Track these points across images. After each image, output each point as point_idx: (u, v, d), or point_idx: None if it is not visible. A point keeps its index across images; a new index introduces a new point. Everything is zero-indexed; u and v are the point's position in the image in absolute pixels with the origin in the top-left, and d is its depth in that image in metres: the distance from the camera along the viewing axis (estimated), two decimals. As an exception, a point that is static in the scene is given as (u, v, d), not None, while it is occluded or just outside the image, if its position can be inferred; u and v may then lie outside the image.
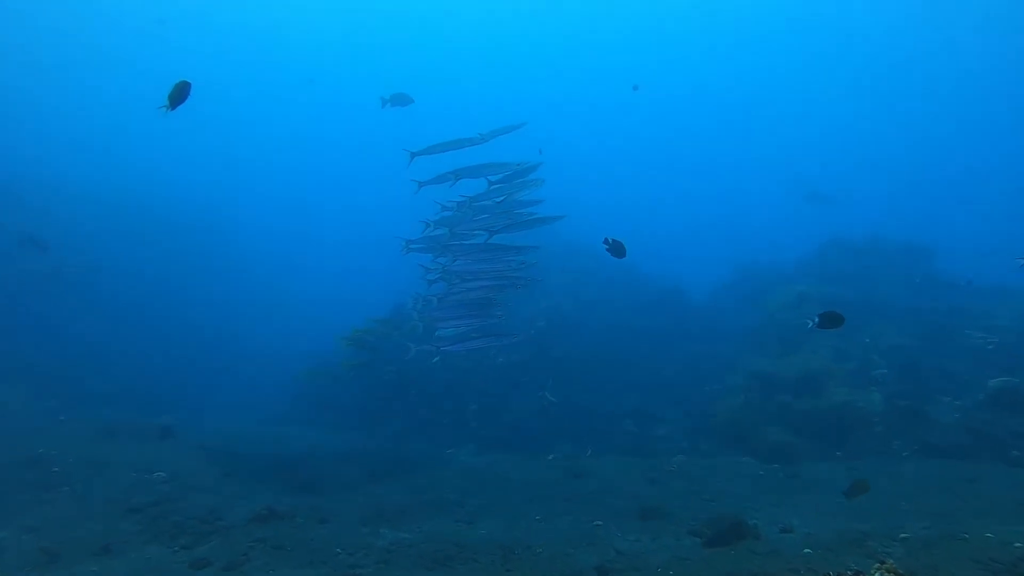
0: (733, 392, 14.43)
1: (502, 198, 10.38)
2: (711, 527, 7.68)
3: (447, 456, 13.86)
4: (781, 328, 16.17)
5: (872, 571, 4.51)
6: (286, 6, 54.88)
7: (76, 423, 12.85)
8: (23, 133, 36.88)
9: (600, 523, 8.39)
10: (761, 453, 12.28)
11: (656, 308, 20.08)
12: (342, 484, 12.08)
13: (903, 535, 7.01)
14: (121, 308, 21.21)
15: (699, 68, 57.65)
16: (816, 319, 8.20)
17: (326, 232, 41.70)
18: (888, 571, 4.43)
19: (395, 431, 15.11)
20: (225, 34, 54.94)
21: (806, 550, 6.77)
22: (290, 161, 52.63)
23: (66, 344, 18.31)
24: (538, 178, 10.48)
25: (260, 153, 51.45)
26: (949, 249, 21.23)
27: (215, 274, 26.39)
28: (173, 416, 15.38)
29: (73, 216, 23.18)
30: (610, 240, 9.11)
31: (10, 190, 22.46)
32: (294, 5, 55.01)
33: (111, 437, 12.04)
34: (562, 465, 11.18)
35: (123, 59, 49.78)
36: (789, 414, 12.87)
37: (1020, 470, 9.67)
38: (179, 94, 7.44)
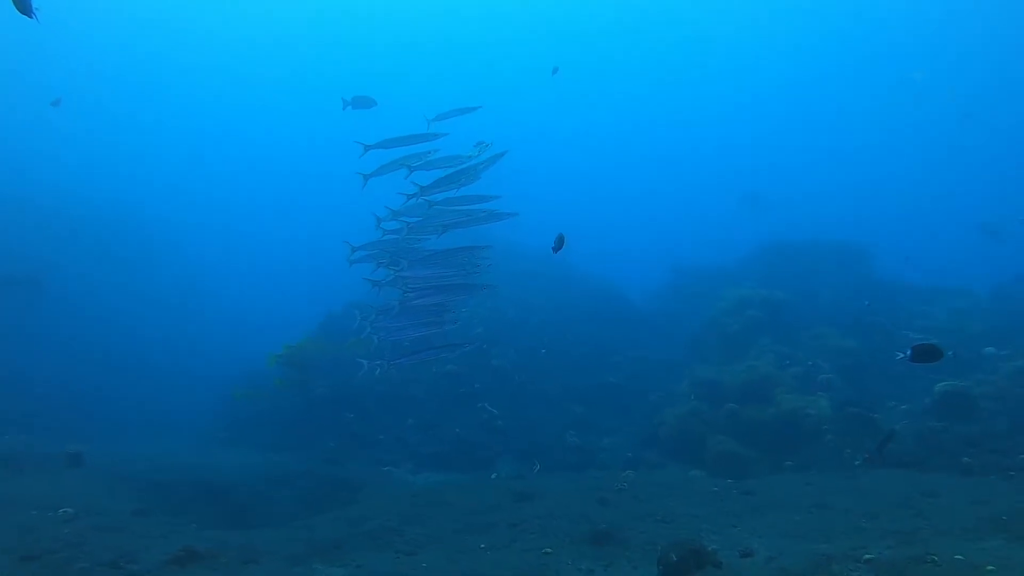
0: (678, 400, 14.08)
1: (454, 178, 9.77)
2: (668, 555, 7.20)
3: (384, 475, 13.16)
4: (724, 333, 15.96)
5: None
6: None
7: (-32, 453, 11.70)
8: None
9: (550, 551, 7.83)
10: (710, 465, 11.97)
11: (597, 312, 19.74)
12: (273, 512, 11.31)
13: (867, 556, 6.66)
14: (31, 322, 19.76)
15: (637, 66, 57.97)
16: (909, 352, 7.65)
17: (260, 239, 40.35)
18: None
19: (329, 450, 14.30)
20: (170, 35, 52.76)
21: (770, 578, 6.37)
22: (220, 164, 50.98)
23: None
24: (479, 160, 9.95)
25: (182, 154, 49.48)
26: (884, 250, 21.44)
27: (138, 284, 24.95)
28: (86, 442, 14.32)
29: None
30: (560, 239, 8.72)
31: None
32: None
33: (11, 468, 10.94)
34: (507, 486, 10.58)
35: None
36: (736, 423, 12.60)
37: (972, 479, 9.52)
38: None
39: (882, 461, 10.13)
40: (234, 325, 26.99)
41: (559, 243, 8.95)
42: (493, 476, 12.23)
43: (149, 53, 51.90)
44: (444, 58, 54.52)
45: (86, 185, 29.05)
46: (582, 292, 21.28)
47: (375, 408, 15.52)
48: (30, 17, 6.88)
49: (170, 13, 50.98)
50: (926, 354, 7.64)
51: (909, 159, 49.14)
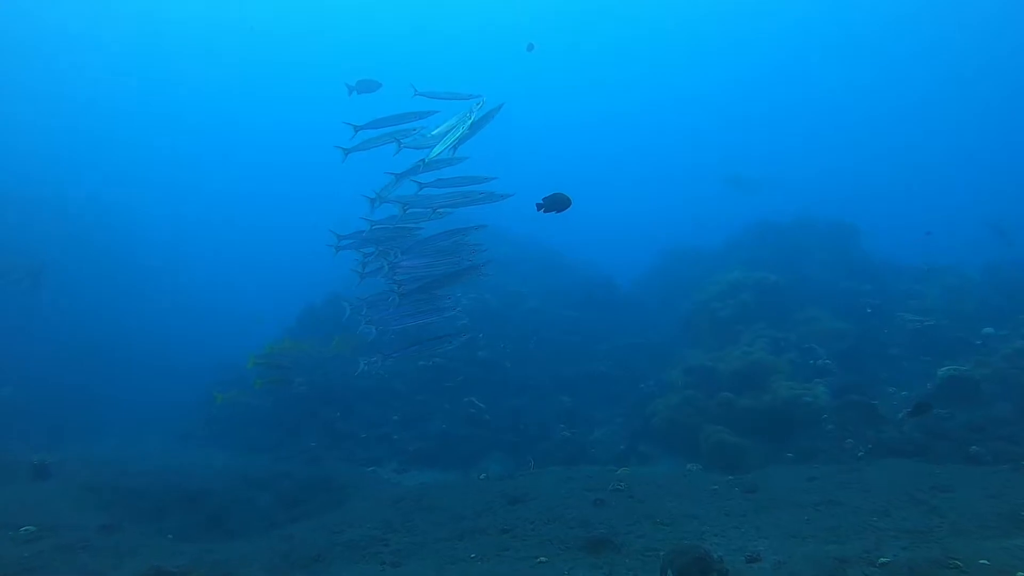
0: (670, 389, 13.63)
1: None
2: (672, 563, 6.75)
3: (368, 475, 12.66)
4: (715, 318, 15.53)
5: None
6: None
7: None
8: None
9: (544, 559, 7.37)
10: (706, 456, 11.53)
11: (584, 299, 19.30)
12: (251, 519, 10.80)
13: (883, 559, 6.25)
14: (16, 317, 19.02)
15: (621, 49, 57.39)
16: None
17: (237, 230, 39.55)
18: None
19: (310, 449, 13.77)
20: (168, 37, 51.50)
21: (781, 586, 5.94)
22: (198, 154, 50.02)
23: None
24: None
25: (159, 145, 48.43)
26: (873, 228, 21.10)
27: (114, 276, 24.16)
28: (60, 445, 13.75)
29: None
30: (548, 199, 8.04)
31: None
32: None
33: (-28, 482, 10.34)
34: (496, 487, 10.09)
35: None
36: (731, 412, 12.13)
37: (982, 469, 9.13)
38: None
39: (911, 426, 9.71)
40: (211, 316, 26.37)
41: (556, 204, 8.16)
42: (482, 476, 11.71)
43: (118, 38, 50.68)
44: (428, 46, 53.78)
45: (60, 178, 28.13)
46: (568, 278, 20.84)
47: (357, 404, 15.01)
48: None
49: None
50: None
51: (895, 139, 49.01)
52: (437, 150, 9.02)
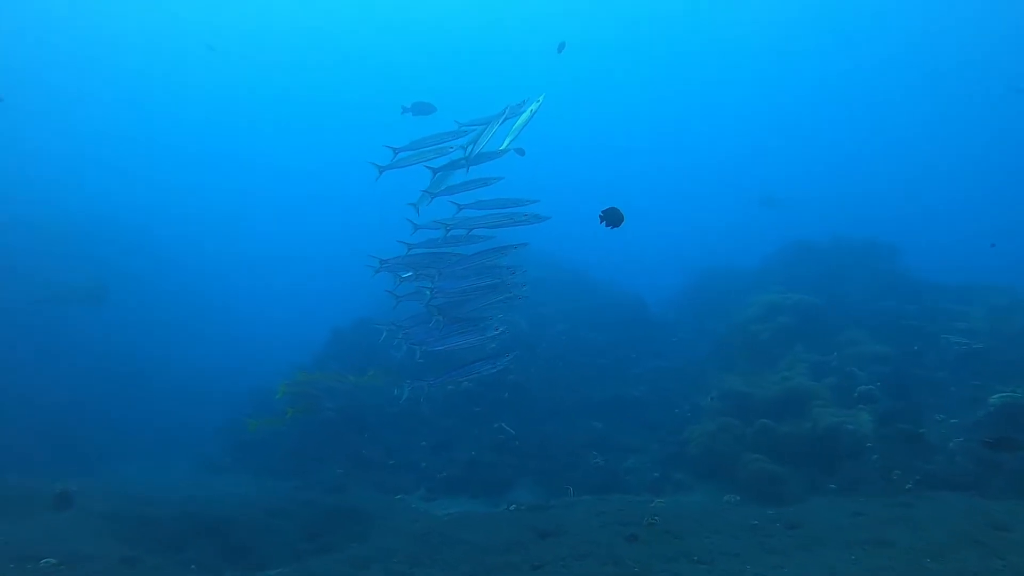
0: (706, 415, 13.19)
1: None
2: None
3: (394, 504, 12.36)
4: (752, 341, 15.08)
5: None
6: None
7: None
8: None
9: (577, 601, 7.04)
10: (744, 486, 11.07)
11: (615, 321, 18.88)
12: (274, 549, 10.55)
13: (941, 609, 5.81)
14: (21, 340, 19.04)
15: (652, 68, 57.15)
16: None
17: (265, 254, 39.73)
18: None
19: (337, 476, 13.53)
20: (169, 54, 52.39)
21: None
22: (225, 176, 50.56)
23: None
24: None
25: (186, 166, 49.03)
26: (914, 246, 20.52)
27: (141, 300, 24.24)
28: (84, 472, 13.66)
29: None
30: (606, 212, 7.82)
31: None
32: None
33: (-6, 511, 10.20)
34: (526, 519, 9.74)
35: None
36: (771, 440, 11.65)
37: (1043, 505, 8.59)
38: None
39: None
40: (238, 340, 26.36)
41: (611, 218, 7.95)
42: (512, 507, 11.38)
43: (146, 58, 51.60)
44: (457, 63, 54.01)
45: (87, 199, 28.53)
46: (597, 299, 20.45)
47: (385, 430, 14.76)
48: None
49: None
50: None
51: (933, 155, 48.01)
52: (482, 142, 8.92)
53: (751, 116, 55.00)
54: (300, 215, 46.28)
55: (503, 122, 9.33)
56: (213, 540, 10.64)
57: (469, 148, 9.28)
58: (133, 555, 9.04)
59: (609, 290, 21.58)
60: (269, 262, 38.17)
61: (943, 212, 40.89)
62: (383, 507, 11.89)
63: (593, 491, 12.00)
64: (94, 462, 15.96)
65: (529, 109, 9.03)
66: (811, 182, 43.09)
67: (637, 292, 20.85)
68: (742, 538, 8.29)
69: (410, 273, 9.70)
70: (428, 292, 9.45)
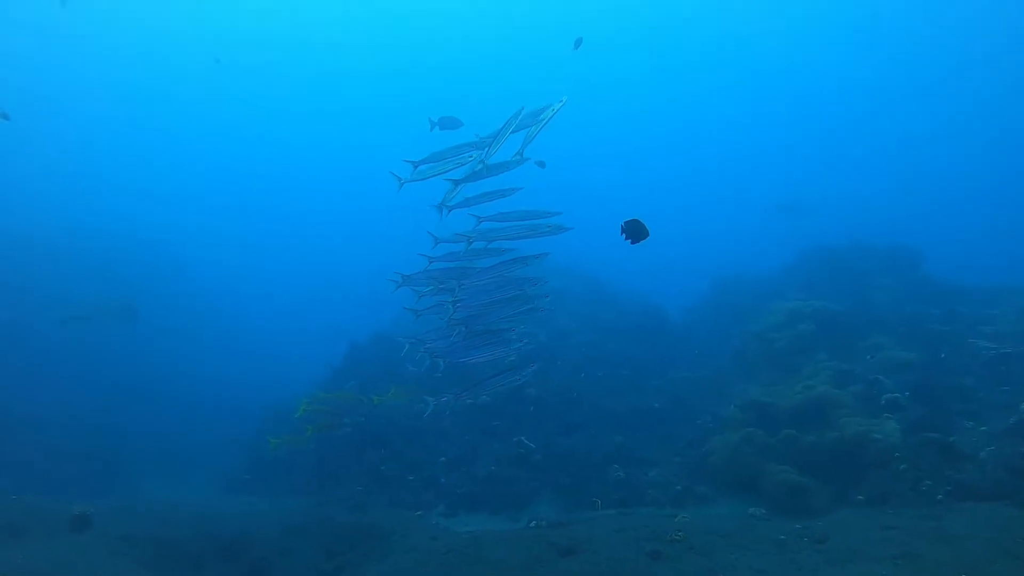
0: (728, 426, 12.95)
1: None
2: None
3: (413, 521, 12.21)
4: (773, 350, 14.84)
5: None
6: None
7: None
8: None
9: (598, 620, 6.86)
10: (768, 498, 10.85)
11: (634, 331, 18.73)
12: (293, 570, 10.46)
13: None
14: (43, 360, 19.16)
15: (668, 74, 57.01)
16: None
17: (280, 269, 39.93)
18: None
19: (356, 493, 13.42)
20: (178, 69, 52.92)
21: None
22: (242, 190, 50.92)
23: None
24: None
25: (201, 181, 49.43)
26: (937, 249, 20.18)
27: (158, 314, 24.34)
28: (102, 492, 13.66)
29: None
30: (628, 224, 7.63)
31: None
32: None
33: (11, 534, 10.17)
34: (548, 536, 9.56)
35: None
36: (795, 451, 11.42)
37: (1080, 514, 8.30)
38: None
39: None
40: (255, 355, 26.44)
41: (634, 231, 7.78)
42: (532, 524, 11.21)
43: (161, 78, 52.10)
44: (475, 72, 54.20)
45: (101, 218, 28.82)
46: (616, 309, 20.32)
47: (403, 445, 14.65)
48: None
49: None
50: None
51: (951, 155, 47.39)
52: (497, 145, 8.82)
53: (767, 121, 54.60)
54: (317, 229, 46.50)
55: (517, 127, 9.20)
56: (231, 560, 10.58)
57: (486, 151, 9.15)
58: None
59: (628, 299, 21.43)
60: (285, 276, 38.35)
61: (966, 213, 40.29)
62: (402, 524, 11.74)
63: (615, 505, 11.83)
64: (113, 479, 16.03)
65: (551, 108, 8.90)
66: (829, 186, 42.66)
67: (656, 301, 20.67)
68: (769, 554, 8.07)
69: (430, 287, 9.61)
70: (450, 306, 9.34)
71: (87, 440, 17.01)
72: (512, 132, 8.76)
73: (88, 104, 49.56)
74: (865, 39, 51.68)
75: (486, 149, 8.98)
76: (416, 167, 9.36)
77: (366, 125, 55.20)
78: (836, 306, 15.24)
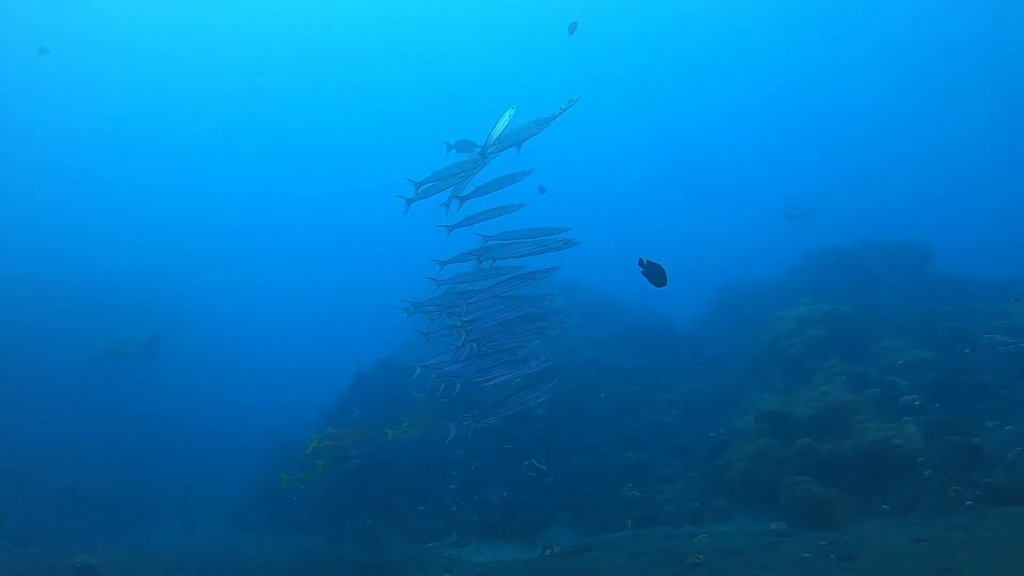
0: (743, 438, 12.61)
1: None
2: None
3: (427, 552, 11.88)
4: (784, 357, 14.52)
5: None
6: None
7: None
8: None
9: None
10: (789, 511, 10.50)
11: (643, 345, 18.40)
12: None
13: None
14: (45, 403, 18.97)
15: (671, 80, 56.95)
16: None
17: (285, 295, 39.79)
18: None
19: (366, 527, 13.09)
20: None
21: None
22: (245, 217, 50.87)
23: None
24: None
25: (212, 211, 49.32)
26: (945, 243, 19.86)
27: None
28: (104, 540, 13.41)
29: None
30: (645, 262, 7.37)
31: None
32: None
33: (16, 591, 9.90)
34: (563, 566, 9.22)
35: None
36: (813, 461, 11.10)
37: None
38: None
39: None
40: (261, 385, 26.27)
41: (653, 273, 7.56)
42: (547, 552, 10.88)
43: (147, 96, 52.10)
44: (468, 72, 54.25)
45: (104, 253, 28.81)
46: (621, 323, 20.00)
47: (413, 474, 14.32)
48: None
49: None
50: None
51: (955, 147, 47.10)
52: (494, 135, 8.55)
53: (767, 122, 54.34)
54: (318, 258, 46.38)
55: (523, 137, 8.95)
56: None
57: (484, 145, 8.88)
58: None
59: (634, 312, 21.10)
60: (290, 304, 38.19)
61: (971, 204, 39.96)
62: (415, 557, 11.45)
63: (631, 526, 11.52)
64: (121, 522, 15.79)
65: (560, 107, 8.65)
66: (834, 183, 42.35)
67: (663, 313, 20.31)
68: (794, 574, 7.72)
69: (440, 311, 9.37)
70: (461, 330, 9.07)
71: (98, 482, 16.81)
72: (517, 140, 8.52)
73: (83, 123, 49.49)
74: (867, 33, 51.42)
75: (484, 144, 8.74)
76: (418, 187, 9.14)
77: (365, 137, 55.30)
78: (846, 308, 14.92)
